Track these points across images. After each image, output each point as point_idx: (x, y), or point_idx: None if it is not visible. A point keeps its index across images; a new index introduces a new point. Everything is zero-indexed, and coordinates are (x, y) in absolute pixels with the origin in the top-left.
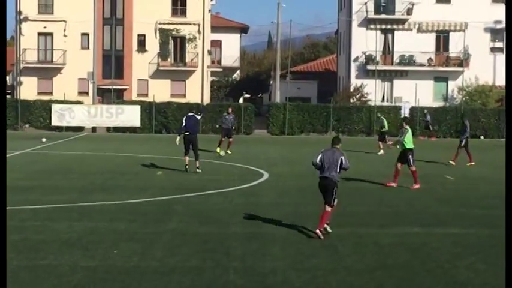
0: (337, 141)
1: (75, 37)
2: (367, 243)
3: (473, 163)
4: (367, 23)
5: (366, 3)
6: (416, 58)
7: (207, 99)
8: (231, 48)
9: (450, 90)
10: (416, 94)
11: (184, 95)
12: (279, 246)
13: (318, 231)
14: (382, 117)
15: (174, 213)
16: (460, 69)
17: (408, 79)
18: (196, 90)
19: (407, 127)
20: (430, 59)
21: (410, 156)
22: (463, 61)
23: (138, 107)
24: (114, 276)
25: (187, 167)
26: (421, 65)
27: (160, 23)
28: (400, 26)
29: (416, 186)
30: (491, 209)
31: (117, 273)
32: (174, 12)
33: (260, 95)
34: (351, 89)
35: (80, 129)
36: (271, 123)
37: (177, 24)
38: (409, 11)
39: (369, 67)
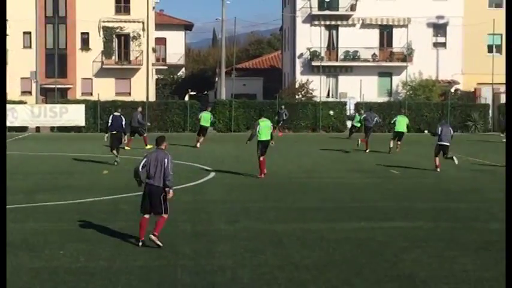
0: (161, 141)
1: (17, 36)
2: (314, 238)
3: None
4: (311, 19)
5: (309, 0)
6: (361, 54)
7: (152, 97)
8: (176, 45)
9: (394, 85)
10: (361, 90)
11: (129, 93)
12: (227, 243)
13: (153, 236)
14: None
15: (121, 212)
16: (404, 64)
17: (353, 75)
18: (141, 88)
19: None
20: (374, 55)
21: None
22: (406, 56)
23: (82, 106)
24: (61, 277)
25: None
26: (366, 60)
27: (103, 21)
28: (344, 22)
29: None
30: (436, 203)
31: (64, 274)
32: (118, 10)
33: (206, 92)
34: (296, 86)
35: (23, 129)
36: (217, 121)
37: (121, 22)
38: (352, 7)
39: (314, 63)
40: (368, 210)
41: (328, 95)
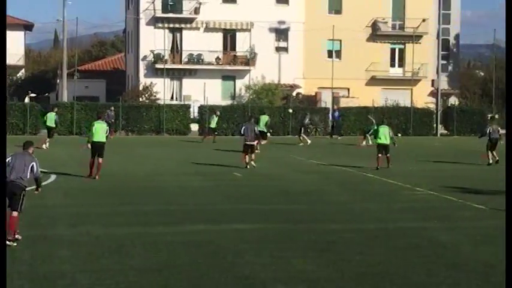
0: (28, 145)
1: None
2: (156, 242)
3: None
4: (155, 21)
5: (153, 2)
6: (205, 57)
7: None
8: (15, 46)
9: (238, 88)
10: (205, 93)
11: None
12: (67, 248)
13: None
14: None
15: None
16: (247, 68)
17: (197, 78)
18: None
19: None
20: (217, 58)
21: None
22: (249, 60)
23: None
24: None
25: None
26: (209, 63)
27: None
28: (188, 25)
29: None
30: (276, 205)
31: None
32: None
33: (47, 94)
34: (140, 88)
35: None
36: (59, 123)
37: None
38: (196, 10)
39: (158, 66)
40: (209, 213)
41: (172, 97)
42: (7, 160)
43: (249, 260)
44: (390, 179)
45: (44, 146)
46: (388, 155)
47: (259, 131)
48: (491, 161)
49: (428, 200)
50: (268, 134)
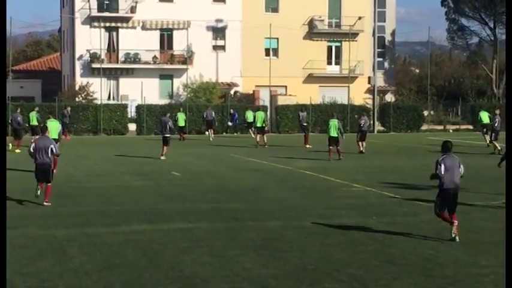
0: (45, 129)
1: None
2: (95, 243)
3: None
4: (90, 20)
5: (88, 1)
6: (142, 56)
7: None
8: None
9: (175, 87)
10: (142, 92)
11: None
12: None
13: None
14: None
15: None
16: (184, 66)
17: (134, 77)
18: None
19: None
20: (155, 57)
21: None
22: (187, 59)
23: None
24: None
25: None
26: (147, 62)
27: None
28: (125, 24)
29: None
30: (215, 203)
31: None
32: None
33: None
34: (77, 88)
35: None
36: None
37: None
38: (132, 9)
39: (94, 65)
40: (149, 213)
41: (109, 97)
42: (32, 146)
43: (190, 259)
44: (328, 175)
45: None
46: (338, 147)
47: (258, 127)
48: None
49: (366, 196)
50: (266, 129)
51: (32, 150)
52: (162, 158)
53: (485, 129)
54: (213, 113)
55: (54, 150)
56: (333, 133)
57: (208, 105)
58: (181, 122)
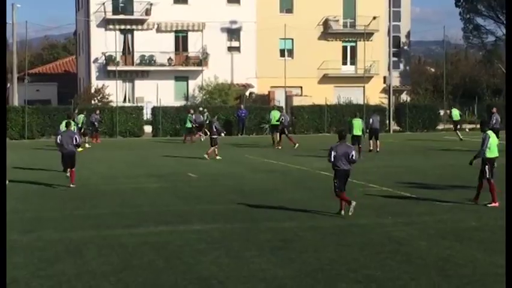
0: (69, 124)
1: None
2: (111, 245)
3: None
4: (105, 23)
5: (103, 4)
6: (157, 58)
7: None
8: None
9: (191, 89)
10: (157, 94)
11: None
12: (21, 254)
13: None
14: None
15: None
16: (200, 68)
17: (149, 79)
18: None
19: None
20: (170, 59)
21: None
22: (202, 60)
23: None
24: None
25: None
26: (162, 65)
27: None
28: (140, 27)
29: None
30: (231, 204)
31: None
32: None
33: None
34: (92, 90)
35: None
36: (9, 128)
37: None
38: (147, 12)
39: (110, 68)
40: (165, 214)
41: (125, 99)
42: (58, 137)
43: (207, 260)
44: None
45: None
46: (360, 145)
47: (272, 125)
48: None
49: (382, 196)
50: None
51: (58, 142)
52: (205, 156)
53: (458, 126)
54: (202, 116)
55: (77, 140)
56: (357, 131)
57: (196, 110)
58: (189, 124)
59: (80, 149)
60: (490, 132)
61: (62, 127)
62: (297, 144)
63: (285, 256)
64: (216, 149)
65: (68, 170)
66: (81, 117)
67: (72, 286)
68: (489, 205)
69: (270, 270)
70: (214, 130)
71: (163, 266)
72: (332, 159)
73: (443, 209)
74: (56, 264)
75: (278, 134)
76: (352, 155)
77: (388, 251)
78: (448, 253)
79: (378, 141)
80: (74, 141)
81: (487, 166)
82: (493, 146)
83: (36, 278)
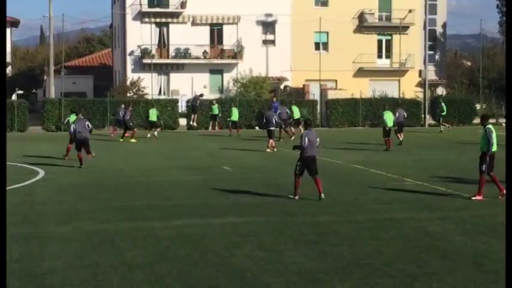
0: (79, 111)
1: None
2: (146, 237)
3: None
4: (141, 16)
5: None
6: (192, 51)
7: None
8: None
9: (225, 82)
10: (192, 87)
11: None
12: (58, 245)
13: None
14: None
15: None
16: (234, 61)
17: (184, 72)
18: None
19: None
20: (205, 52)
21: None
22: (236, 54)
23: None
24: None
25: None
26: (197, 57)
27: None
28: (175, 20)
29: None
30: (266, 197)
31: None
32: None
33: (34, 90)
34: (128, 83)
35: None
36: (46, 120)
37: None
38: (182, 5)
39: (145, 61)
40: (200, 207)
41: (160, 92)
42: (73, 125)
43: (241, 253)
44: (379, 169)
45: (148, 135)
46: (390, 138)
47: (295, 119)
48: None
49: (418, 191)
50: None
51: (72, 130)
52: (268, 150)
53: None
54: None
55: (89, 126)
56: (390, 123)
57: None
58: (235, 117)
59: (133, 140)
60: (491, 126)
61: (72, 118)
62: (293, 137)
63: (319, 250)
64: (271, 141)
65: (78, 152)
66: (153, 111)
67: (107, 277)
68: (473, 198)
69: (305, 263)
70: (274, 123)
71: (198, 259)
72: (306, 145)
73: (480, 204)
74: (91, 255)
75: (291, 128)
76: (318, 143)
77: (423, 246)
78: (484, 248)
79: (401, 134)
80: (87, 127)
81: (487, 159)
82: (496, 140)
83: (73, 269)
